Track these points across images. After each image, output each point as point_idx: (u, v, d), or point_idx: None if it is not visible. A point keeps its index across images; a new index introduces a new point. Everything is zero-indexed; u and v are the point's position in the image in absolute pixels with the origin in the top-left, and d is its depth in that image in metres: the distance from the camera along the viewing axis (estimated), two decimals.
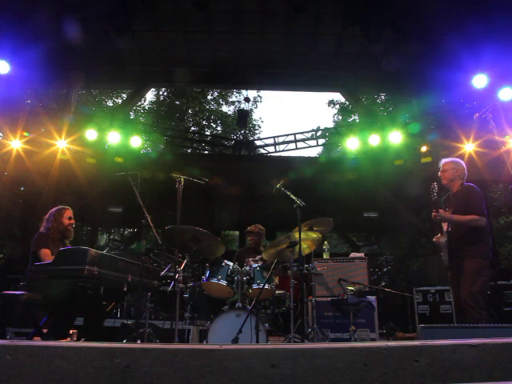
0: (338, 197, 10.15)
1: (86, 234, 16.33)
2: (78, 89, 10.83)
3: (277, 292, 4.32)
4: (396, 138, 8.67)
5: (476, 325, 2.85)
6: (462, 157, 8.03)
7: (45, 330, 3.54)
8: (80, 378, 1.58)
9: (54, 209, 4.02)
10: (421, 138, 9.02)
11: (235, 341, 3.41)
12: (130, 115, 18.58)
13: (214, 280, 4.01)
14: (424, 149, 8.77)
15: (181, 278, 3.82)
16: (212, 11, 8.12)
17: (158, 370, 1.58)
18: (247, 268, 4.14)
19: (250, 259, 4.77)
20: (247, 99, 15.21)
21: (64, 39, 7.34)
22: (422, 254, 13.77)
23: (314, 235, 4.04)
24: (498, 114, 3.65)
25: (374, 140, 8.85)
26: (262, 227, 5.69)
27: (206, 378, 1.57)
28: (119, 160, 9.18)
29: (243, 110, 13.97)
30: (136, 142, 9.17)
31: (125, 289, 3.42)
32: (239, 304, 3.88)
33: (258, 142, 12.72)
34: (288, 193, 4.15)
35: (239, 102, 22.14)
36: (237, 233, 17.11)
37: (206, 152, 14.03)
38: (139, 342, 3.47)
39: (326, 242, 5.65)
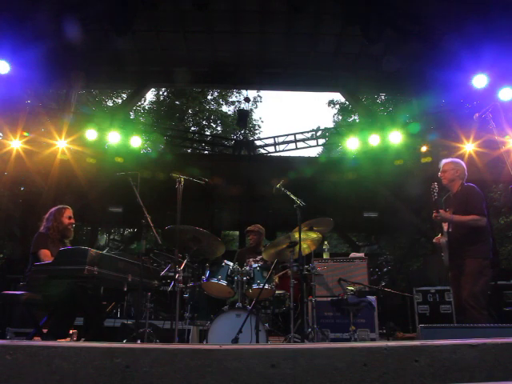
0: (338, 197, 10.15)
1: (86, 234, 16.33)
2: (78, 89, 10.83)
3: (277, 292, 4.33)
4: (396, 137, 8.67)
5: (476, 325, 2.85)
6: (462, 157, 8.04)
7: (45, 330, 3.54)
8: (80, 377, 1.58)
9: (53, 208, 4.02)
10: (421, 138, 9.02)
11: (235, 341, 3.41)
12: (130, 115, 18.58)
13: (214, 280, 4.01)
14: (424, 149, 8.77)
15: (181, 278, 3.82)
16: (212, 11, 8.12)
17: (157, 369, 1.58)
18: (247, 268, 4.14)
19: (251, 259, 4.78)
20: (247, 99, 15.21)
21: (64, 39, 7.33)
22: (421, 254, 13.77)
23: (314, 235, 4.04)
24: (497, 113, 3.65)
25: (374, 140, 8.85)
26: (261, 227, 5.70)
27: (206, 377, 1.57)
28: (119, 160, 9.18)
29: (243, 110, 13.97)
30: (136, 141, 9.17)
31: (125, 289, 3.43)
32: (239, 304, 3.88)
33: (258, 142, 12.72)
34: (288, 193, 4.15)
35: (239, 102, 22.17)
36: (237, 233, 17.11)
37: (206, 152, 14.03)
38: (139, 342, 3.47)
39: (326, 242, 5.65)
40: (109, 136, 8.92)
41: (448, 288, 6.20)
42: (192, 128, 21.49)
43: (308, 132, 11.83)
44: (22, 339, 3.70)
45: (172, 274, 5.05)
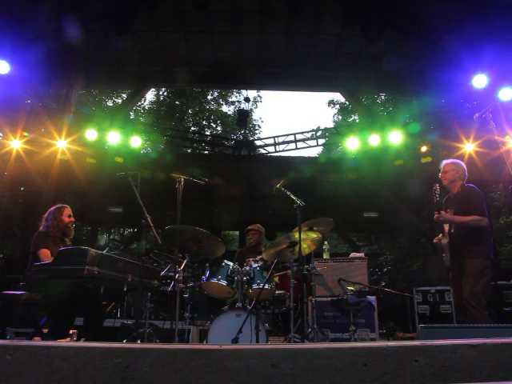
0: (338, 197, 10.15)
1: (86, 234, 16.33)
2: (78, 89, 10.83)
3: (277, 292, 4.32)
4: (396, 137, 8.67)
5: (476, 325, 2.85)
6: (461, 157, 8.05)
7: (45, 330, 3.54)
8: (80, 378, 1.58)
9: (53, 207, 4.02)
10: (421, 138, 9.02)
11: (235, 341, 3.41)
12: (130, 115, 18.58)
13: (214, 280, 4.01)
14: (424, 149, 8.77)
15: (181, 277, 3.82)
16: (212, 11, 8.11)
17: (158, 369, 1.58)
18: (247, 268, 4.14)
19: (251, 259, 4.77)
20: (247, 99, 15.20)
21: (64, 39, 7.33)
22: (421, 254, 13.76)
23: (314, 235, 4.04)
24: (497, 113, 3.65)
25: (374, 140, 8.84)
26: (261, 226, 5.71)
27: (206, 378, 1.57)
28: (119, 160, 9.18)
29: (243, 110, 13.97)
30: (136, 141, 9.17)
31: (125, 289, 3.42)
32: (239, 304, 3.88)
33: (258, 142, 12.72)
34: (288, 193, 4.15)
35: (239, 102, 22.17)
36: (237, 233, 17.11)
37: (206, 152, 14.03)
38: (139, 342, 3.47)
39: (326, 242, 5.65)
40: (109, 136, 8.92)
41: (448, 288, 6.20)
42: (192, 128, 21.49)
43: (308, 132, 11.83)
44: (22, 339, 3.70)
45: (172, 274, 5.04)
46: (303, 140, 11.42)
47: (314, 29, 8.83)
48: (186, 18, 8.67)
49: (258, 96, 23.37)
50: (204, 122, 22.43)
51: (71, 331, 3.82)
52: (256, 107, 23.50)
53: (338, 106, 23.75)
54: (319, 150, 22.95)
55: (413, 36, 8.04)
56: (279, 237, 4.44)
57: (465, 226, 3.72)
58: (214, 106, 22.67)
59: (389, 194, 10.30)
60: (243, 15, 8.63)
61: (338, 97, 23.09)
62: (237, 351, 1.64)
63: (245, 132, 17.74)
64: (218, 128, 22.57)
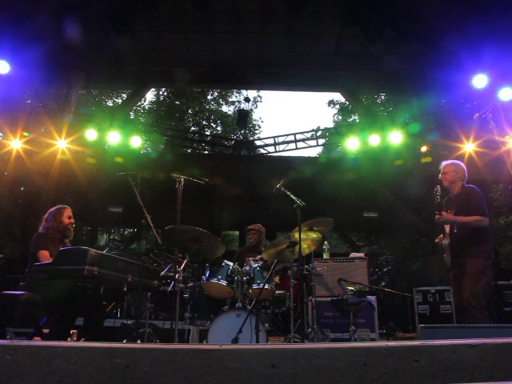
0: (338, 197, 10.15)
1: (86, 234, 16.33)
2: (78, 89, 10.83)
3: (277, 292, 4.32)
4: (396, 137, 8.67)
5: (476, 325, 2.85)
6: (461, 157, 8.05)
7: (45, 330, 3.54)
8: (80, 377, 1.58)
9: (53, 208, 4.01)
10: (421, 138, 9.02)
11: (235, 341, 3.41)
12: (130, 115, 18.58)
13: (214, 280, 4.01)
14: (424, 149, 8.77)
15: (181, 277, 3.82)
16: (212, 11, 8.11)
17: (158, 369, 1.58)
18: (247, 268, 4.14)
19: (251, 259, 4.77)
20: (247, 99, 15.20)
21: (64, 39, 7.33)
22: (421, 254, 13.77)
23: (314, 235, 4.04)
24: (497, 113, 3.64)
25: (374, 140, 8.84)
26: (262, 226, 5.71)
27: (206, 378, 1.57)
28: (119, 160, 9.18)
29: (243, 110, 13.97)
30: (136, 141, 9.17)
31: (125, 289, 3.42)
32: (239, 304, 3.88)
33: (258, 142, 12.72)
34: (288, 193, 4.15)
35: (239, 102, 22.17)
36: (237, 233, 17.11)
37: (206, 152, 14.03)
38: (139, 342, 3.47)
39: (326, 242, 5.65)
40: (109, 136, 8.92)
41: (448, 288, 6.20)
42: (192, 128, 21.49)
43: (308, 132, 11.83)
44: (22, 339, 3.70)
45: (172, 274, 5.04)
46: (303, 140, 11.42)
47: (314, 29, 8.83)
48: (186, 18, 8.67)
49: (258, 96, 23.41)
50: (204, 122, 22.43)
51: (71, 331, 3.81)
52: (256, 107, 23.54)
53: (337, 106, 23.76)
54: (319, 149, 22.98)
55: (413, 36, 8.04)
56: (279, 237, 4.44)
57: (467, 226, 3.72)
58: (214, 106, 22.68)
59: (389, 194, 10.30)
60: (243, 15, 8.63)
61: (338, 97, 23.13)
62: (237, 351, 1.64)
63: (245, 132, 17.74)
64: (218, 128, 22.57)
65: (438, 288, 6.42)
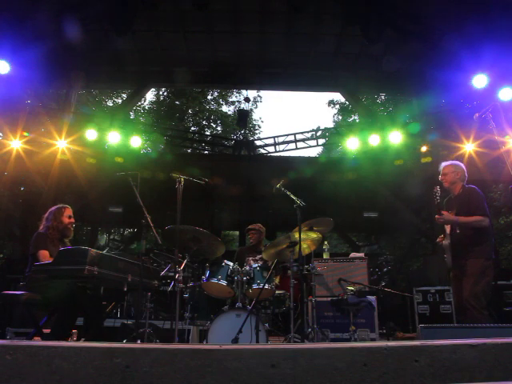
0: (338, 197, 10.15)
1: (86, 234, 16.33)
2: (78, 89, 10.83)
3: (277, 292, 4.32)
4: (396, 137, 8.67)
5: (476, 325, 2.85)
6: (461, 157, 8.05)
7: (45, 330, 3.54)
8: (80, 377, 1.58)
9: (53, 207, 4.00)
10: (421, 138, 9.02)
11: (235, 341, 3.41)
12: (130, 115, 18.58)
13: (214, 280, 4.01)
14: (424, 149, 8.77)
15: (181, 277, 3.82)
16: (212, 11, 8.11)
17: (158, 369, 1.58)
18: (247, 268, 4.14)
19: (250, 259, 4.78)
20: (247, 99, 15.21)
21: (64, 39, 7.33)
22: (421, 254, 13.77)
23: (314, 235, 4.04)
24: (497, 113, 3.65)
25: (374, 140, 8.85)
26: (262, 226, 5.71)
27: (206, 378, 1.57)
28: (119, 160, 9.18)
29: (243, 109, 13.97)
30: (136, 141, 9.17)
31: (125, 289, 3.42)
32: (239, 304, 3.88)
33: (258, 142, 12.73)
34: (288, 193, 4.15)
35: (239, 102, 22.17)
36: (237, 233, 17.11)
37: (206, 152, 14.03)
38: (139, 342, 3.47)
39: (326, 242, 5.65)
40: (109, 136, 8.92)
41: (448, 288, 6.20)
42: (192, 128, 21.50)
43: (308, 132, 11.84)
44: (22, 339, 3.70)
45: (172, 274, 5.05)
46: (303, 140, 11.43)
47: (314, 29, 8.83)
48: (186, 18, 8.67)
49: (258, 96, 23.41)
50: (204, 122, 22.43)
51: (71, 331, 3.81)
52: (256, 107, 23.54)
53: (337, 106, 23.76)
54: (319, 149, 22.98)
55: (413, 36, 8.04)
56: (279, 237, 4.44)
57: (467, 226, 3.72)
58: (214, 106, 22.68)
59: (389, 194, 10.30)
60: (243, 15, 8.63)
61: (338, 97, 23.13)
62: (237, 351, 1.64)
63: (245, 132, 17.74)
64: (218, 128, 22.58)
65: (438, 288, 6.42)
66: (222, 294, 4.18)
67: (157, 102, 21.75)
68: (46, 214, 3.95)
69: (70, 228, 3.96)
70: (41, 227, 3.89)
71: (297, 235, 3.81)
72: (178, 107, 21.42)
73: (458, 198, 3.89)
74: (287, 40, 9.25)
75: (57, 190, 8.89)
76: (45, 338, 3.45)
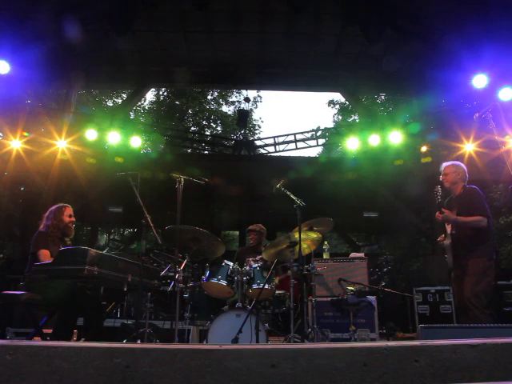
0: (338, 197, 10.15)
1: (86, 234, 16.34)
2: (78, 89, 10.83)
3: (277, 292, 4.32)
4: (396, 137, 8.67)
5: (476, 325, 2.85)
6: (461, 157, 8.05)
7: (45, 330, 3.54)
8: (80, 377, 1.58)
9: (54, 206, 3.99)
10: (421, 138, 9.02)
11: (235, 341, 3.41)
12: (130, 115, 18.58)
13: (214, 280, 4.01)
14: (424, 149, 8.77)
15: (181, 277, 3.82)
16: (212, 11, 8.11)
17: (158, 369, 1.58)
18: (247, 268, 4.14)
19: (250, 259, 4.78)
20: (247, 99, 15.21)
21: (64, 39, 7.33)
22: (421, 254, 13.77)
23: (314, 235, 4.04)
24: (497, 113, 3.65)
25: (374, 140, 8.84)
26: (263, 227, 5.71)
27: (206, 378, 1.57)
28: (119, 160, 9.18)
29: (243, 110, 13.97)
30: (136, 141, 9.17)
31: (125, 289, 3.42)
32: (239, 304, 3.88)
33: (258, 142, 12.73)
34: (288, 193, 4.15)
35: (239, 102, 22.18)
36: (237, 233, 17.11)
37: (206, 152, 14.03)
38: (139, 342, 3.47)
39: (326, 242, 5.65)
40: (109, 136, 8.92)
41: (448, 288, 6.20)
42: (192, 128, 21.50)
43: (308, 132, 11.84)
44: (22, 339, 3.70)
45: (172, 274, 5.04)
46: (303, 140, 11.43)
47: (314, 29, 8.83)
48: (186, 18, 8.67)
49: (258, 96, 23.41)
50: (204, 122, 22.43)
51: None
52: (256, 107, 23.54)
53: (337, 106, 23.76)
54: (319, 149, 22.98)
55: (413, 36, 8.04)
56: (279, 237, 4.44)
57: (467, 226, 3.73)
58: (214, 106, 22.68)
59: (389, 194, 10.30)
60: (243, 15, 8.62)
61: (338, 97, 23.13)
62: (237, 351, 1.64)
63: (245, 132, 17.74)
64: (218, 128, 22.58)
65: (438, 288, 6.41)
66: (222, 294, 4.18)
67: (157, 102, 21.75)
68: (47, 213, 3.95)
69: (70, 227, 3.96)
70: (41, 226, 3.88)
71: (297, 235, 3.81)
72: (178, 107, 21.43)
73: (459, 199, 3.90)
74: (287, 40, 9.25)
75: (57, 189, 8.89)
76: (45, 338, 3.45)
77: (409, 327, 6.70)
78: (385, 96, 18.78)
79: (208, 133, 21.61)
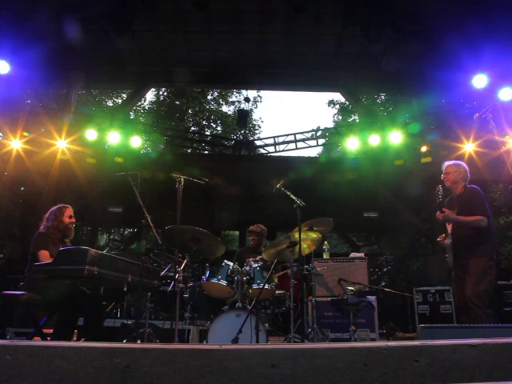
0: (338, 197, 10.15)
1: (86, 234, 16.33)
2: (78, 89, 10.83)
3: (277, 292, 4.32)
4: (396, 137, 8.67)
5: (476, 325, 2.85)
6: (461, 157, 8.06)
7: (45, 330, 3.54)
8: (80, 377, 1.58)
9: (54, 207, 3.99)
10: (421, 138, 9.02)
11: (235, 341, 3.41)
12: (130, 115, 18.58)
13: (214, 280, 4.01)
14: (424, 149, 8.77)
15: (181, 277, 3.82)
16: (212, 11, 8.11)
17: (158, 369, 1.58)
18: (247, 268, 4.14)
19: (251, 259, 4.77)
20: (247, 99, 15.21)
21: (64, 39, 7.33)
22: (421, 254, 13.78)
23: (314, 235, 4.04)
24: (497, 113, 3.65)
25: (374, 140, 8.85)
26: (263, 227, 5.70)
27: (206, 378, 1.57)
28: (119, 160, 9.18)
29: (243, 110, 13.97)
30: (136, 141, 9.17)
31: (125, 289, 3.42)
32: (239, 304, 3.88)
33: (258, 142, 12.73)
34: (288, 193, 4.15)
35: (239, 102, 22.18)
36: (237, 233, 17.11)
37: (206, 152, 14.03)
38: (139, 342, 3.47)
39: (326, 242, 5.65)
40: (109, 136, 8.92)
41: (448, 288, 6.20)
42: (192, 128, 21.50)
43: (308, 132, 11.84)
44: (22, 339, 3.70)
45: (172, 274, 5.04)
46: (303, 140, 11.43)
47: (314, 29, 8.83)
48: (186, 18, 8.67)
49: (258, 96, 23.42)
50: (204, 122, 22.44)
51: None
52: (256, 107, 23.55)
53: (337, 106, 23.76)
54: (319, 149, 22.97)
55: (413, 36, 8.04)
56: (279, 237, 4.44)
57: (467, 225, 3.73)
58: (214, 106, 22.68)
59: (389, 194, 10.30)
60: (243, 15, 8.62)
61: (338, 97, 23.13)
62: (237, 351, 1.64)
63: (245, 132, 17.74)
64: (218, 128, 22.58)
65: (438, 288, 6.41)
66: (222, 294, 4.18)
67: (157, 102, 21.76)
68: (47, 214, 3.95)
69: (70, 228, 3.96)
70: (41, 227, 3.88)
71: (297, 235, 3.81)
72: (178, 107, 21.43)
73: (460, 198, 3.90)
74: (287, 40, 9.25)
75: (57, 190, 8.89)
76: (45, 338, 3.45)
77: (409, 327, 6.70)
78: (385, 96, 18.79)
79: (208, 133, 21.63)
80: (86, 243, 13.50)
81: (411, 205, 10.30)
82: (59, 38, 7.34)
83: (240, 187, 10.69)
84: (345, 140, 9.52)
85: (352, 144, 9.10)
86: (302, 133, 11.53)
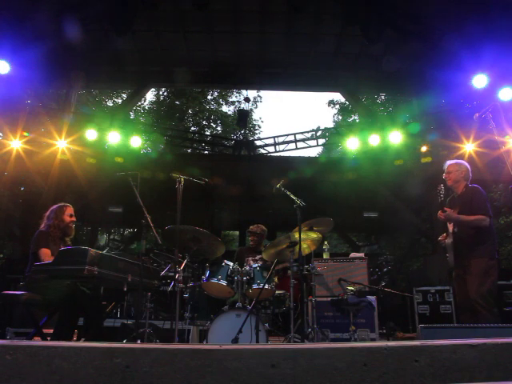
0: (338, 197, 10.15)
1: (86, 234, 16.33)
2: (78, 89, 10.83)
3: (277, 292, 4.32)
4: (396, 137, 8.67)
5: (476, 325, 2.85)
6: (461, 157, 8.05)
7: (45, 330, 3.54)
8: (80, 377, 1.58)
9: (55, 206, 4.00)
10: (421, 138, 9.02)
11: (235, 341, 3.41)
12: (130, 115, 18.58)
13: (214, 280, 4.01)
14: (424, 149, 8.77)
15: (181, 277, 3.82)
16: (212, 11, 8.11)
17: (158, 369, 1.58)
18: (247, 268, 4.14)
19: (250, 259, 4.77)
20: (247, 99, 15.20)
21: (64, 39, 7.33)
22: (421, 254, 13.77)
23: (314, 235, 4.04)
24: (497, 113, 3.65)
25: (374, 140, 8.85)
26: (264, 228, 5.70)
27: (206, 378, 1.57)
28: (119, 160, 9.18)
29: (243, 110, 13.96)
30: (136, 141, 9.17)
31: (125, 289, 3.42)
32: (239, 304, 3.88)
33: (258, 142, 12.72)
34: (288, 193, 4.15)
35: (239, 102, 22.18)
36: (237, 233, 17.11)
37: (206, 152, 14.03)
38: (139, 342, 3.47)
39: (326, 242, 5.65)
40: (109, 136, 8.92)
41: (448, 288, 6.20)
42: (192, 128, 21.50)
43: (308, 132, 11.83)
44: (22, 339, 3.70)
45: (172, 274, 5.04)
46: (303, 140, 11.42)
47: (314, 29, 8.83)
48: (186, 18, 8.67)
49: (258, 96, 23.42)
50: (204, 122, 22.43)
51: None
52: (256, 107, 23.55)
53: (338, 106, 23.76)
54: (319, 149, 22.98)
55: (413, 36, 8.04)
56: (279, 237, 4.44)
57: (468, 225, 3.73)
58: (214, 106, 22.68)
59: (389, 194, 10.30)
60: (243, 15, 8.62)
61: (338, 97, 23.13)
62: (237, 351, 1.64)
63: (245, 132, 17.74)
64: (218, 128, 22.58)
65: (438, 288, 6.41)
66: (222, 294, 4.18)
67: (157, 102, 21.76)
68: (48, 213, 3.95)
69: (71, 226, 3.97)
70: (42, 226, 3.88)
71: (297, 235, 3.81)
72: (178, 107, 21.43)
73: (461, 197, 3.90)
74: (287, 40, 9.25)
75: (57, 189, 8.89)
76: (45, 338, 3.45)
77: (409, 327, 6.70)
78: (385, 96, 18.78)
79: (208, 133, 21.63)
80: (86, 243, 13.50)
81: (411, 205, 10.30)
82: (59, 38, 7.34)
83: (240, 187, 10.69)
84: (345, 140, 9.52)
85: (352, 144, 9.10)
86: (302, 133, 11.53)
